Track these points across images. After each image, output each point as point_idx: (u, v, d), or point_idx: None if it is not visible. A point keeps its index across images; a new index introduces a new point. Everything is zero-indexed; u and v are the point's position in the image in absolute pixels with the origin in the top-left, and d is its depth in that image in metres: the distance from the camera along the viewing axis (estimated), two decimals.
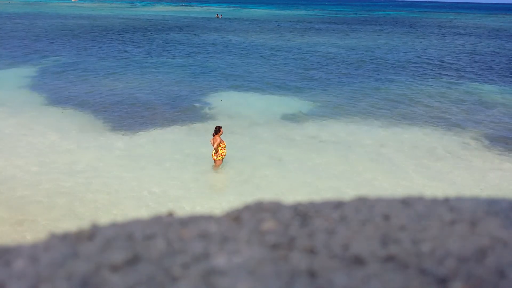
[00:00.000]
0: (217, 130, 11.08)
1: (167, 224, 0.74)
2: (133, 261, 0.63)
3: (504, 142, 13.79)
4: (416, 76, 24.07)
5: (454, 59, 31.14)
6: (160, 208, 8.86)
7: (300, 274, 0.60)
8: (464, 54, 33.58)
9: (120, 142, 12.95)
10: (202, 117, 15.75)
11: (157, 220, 0.75)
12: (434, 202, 0.83)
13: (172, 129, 14.31)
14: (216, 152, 10.97)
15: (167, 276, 0.60)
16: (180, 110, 16.47)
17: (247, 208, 0.80)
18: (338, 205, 0.81)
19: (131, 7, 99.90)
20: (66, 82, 20.92)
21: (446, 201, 0.83)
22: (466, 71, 26.20)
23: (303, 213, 0.77)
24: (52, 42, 34.71)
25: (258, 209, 0.79)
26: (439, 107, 17.73)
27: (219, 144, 10.89)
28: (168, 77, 22.55)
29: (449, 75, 24.66)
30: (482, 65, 28.58)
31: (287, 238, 0.69)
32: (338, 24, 63.01)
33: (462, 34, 52.53)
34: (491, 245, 0.66)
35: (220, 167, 11.13)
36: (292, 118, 15.79)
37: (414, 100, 18.70)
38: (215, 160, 11.11)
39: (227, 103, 17.79)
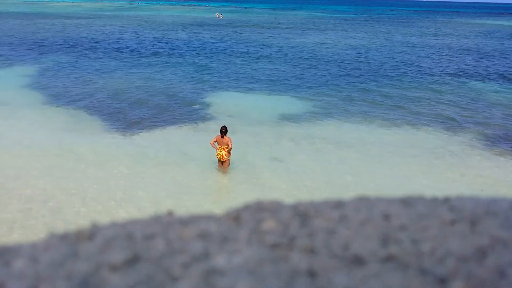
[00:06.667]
0: (226, 130, 10.85)
1: (167, 224, 0.74)
2: (133, 261, 0.63)
3: (505, 141, 13.78)
4: (415, 76, 24.06)
5: (454, 58, 31.12)
6: (159, 207, 8.86)
7: (300, 274, 0.60)
8: (464, 54, 33.56)
9: (118, 142, 12.95)
10: (202, 117, 15.74)
11: (157, 220, 0.75)
12: (434, 202, 0.83)
13: (171, 129, 14.31)
14: (228, 152, 10.75)
15: (167, 276, 0.60)
16: (179, 110, 16.47)
17: (247, 207, 0.80)
18: (338, 205, 0.81)
19: (130, 7, 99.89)
20: (65, 81, 20.92)
21: (446, 200, 0.83)
22: (467, 71, 26.18)
23: (303, 213, 0.77)
24: (50, 42, 34.72)
25: (258, 209, 0.79)
26: (440, 107, 17.72)
27: (227, 144, 10.74)
28: (167, 77, 22.55)
29: (449, 75, 24.65)
30: (482, 65, 28.56)
31: (287, 238, 0.69)
32: (338, 24, 62.98)
33: (462, 33, 52.51)
34: (491, 245, 0.66)
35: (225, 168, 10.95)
36: (293, 118, 15.79)
37: (414, 100, 18.69)
38: (224, 161, 10.83)
39: (227, 103, 17.78)
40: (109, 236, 0.69)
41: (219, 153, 10.81)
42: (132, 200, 9.30)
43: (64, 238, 0.69)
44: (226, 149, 10.72)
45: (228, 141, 10.74)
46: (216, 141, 10.85)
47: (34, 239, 0.71)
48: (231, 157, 11.02)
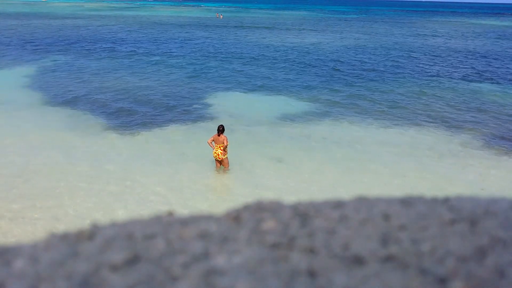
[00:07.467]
0: (223, 128, 10.91)
1: (167, 224, 0.74)
2: (133, 261, 0.63)
3: (504, 141, 13.79)
4: (412, 77, 24.08)
5: (453, 58, 31.15)
6: (159, 207, 8.85)
7: (300, 274, 0.60)
8: (464, 54, 33.59)
9: (118, 141, 12.94)
10: (201, 117, 15.74)
11: (157, 220, 0.75)
12: (434, 202, 0.83)
13: (171, 129, 14.31)
14: (224, 150, 10.82)
15: (167, 276, 0.60)
16: (179, 110, 16.46)
17: (247, 207, 0.80)
18: (338, 204, 0.81)
19: (129, 8, 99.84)
20: (62, 81, 20.91)
21: (446, 200, 0.83)
22: (466, 71, 26.20)
23: (303, 213, 0.77)
24: (50, 43, 34.69)
25: (258, 209, 0.79)
26: (439, 107, 17.73)
27: (223, 142, 10.81)
28: (167, 77, 22.54)
29: (445, 75, 24.66)
30: (481, 65, 28.58)
31: (287, 238, 0.69)
32: (336, 24, 63.00)
33: (458, 34, 52.53)
34: (491, 245, 0.66)
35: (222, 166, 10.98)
36: (291, 118, 15.79)
37: (414, 100, 18.70)
38: (222, 160, 10.87)
39: (226, 103, 17.78)
40: (109, 236, 0.69)
41: (215, 152, 10.87)
42: (131, 200, 9.29)
43: (64, 238, 0.69)
44: (222, 148, 10.78)
45: (224, 140, 10.80)
46: (213, 140, 10.91)
47: (34, 239, 0.71)
48: (229, 156, 11.03)
